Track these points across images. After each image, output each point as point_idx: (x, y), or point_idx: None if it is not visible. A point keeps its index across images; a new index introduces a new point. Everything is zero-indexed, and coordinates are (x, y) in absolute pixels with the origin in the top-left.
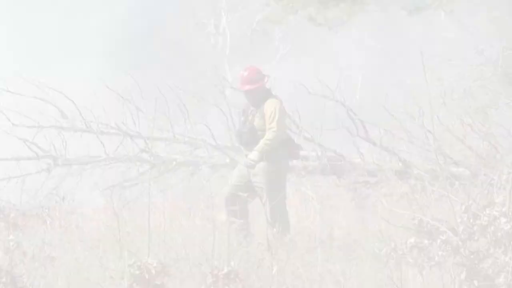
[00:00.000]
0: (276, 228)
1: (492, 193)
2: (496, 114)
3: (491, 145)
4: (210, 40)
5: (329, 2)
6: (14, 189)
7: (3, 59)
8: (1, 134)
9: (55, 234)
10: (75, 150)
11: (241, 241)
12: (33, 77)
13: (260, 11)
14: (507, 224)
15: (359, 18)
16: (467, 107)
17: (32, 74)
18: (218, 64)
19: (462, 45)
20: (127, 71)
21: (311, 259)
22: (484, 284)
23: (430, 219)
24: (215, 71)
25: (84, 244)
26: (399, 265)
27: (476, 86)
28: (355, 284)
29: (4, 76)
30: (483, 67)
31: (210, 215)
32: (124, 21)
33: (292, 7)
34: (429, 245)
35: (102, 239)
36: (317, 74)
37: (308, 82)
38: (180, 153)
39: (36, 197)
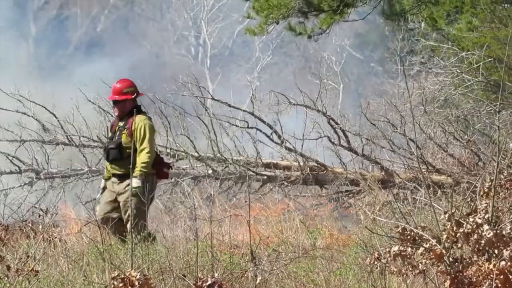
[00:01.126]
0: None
1: (475, 201)
2: (477, 122)
3: (473, 152)
4: (191, 52)
5: (309, 13)
6: None
7: None
8: None
9: (38, 248)
10: (57, 164)
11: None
12: (12, 90)
13: (241, 22)
14: (490, 232)
15: (339, 27)
16: (448, 115)
17: (12, 86)
18: (199, 76)
19: (443, 53)
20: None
21: (295, 269)
22: None
23: (413, 227)
24: (196, 82)
25: (68, 258)
26: (383, 274)
27: (458, 94)
28: None
29: None
30: (464, 75)
31: (193, 226)
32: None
33: (272, 17)
34: (413, 253)
35: (85, 252)
36: (299, 84)
37: (289, 92)
38: None
39: (19, 211)
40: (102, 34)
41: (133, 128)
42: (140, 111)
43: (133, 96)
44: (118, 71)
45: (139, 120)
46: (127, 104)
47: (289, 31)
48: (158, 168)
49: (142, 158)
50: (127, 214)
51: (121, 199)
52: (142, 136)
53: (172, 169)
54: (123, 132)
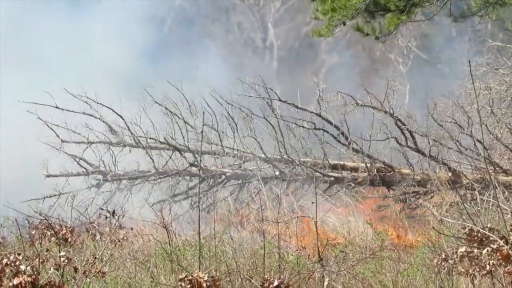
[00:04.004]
0: None
1: None
2: None
3: None
4: (257, 54)
5: (376, 12)
6: (64, 205)
7: (50, 74)
8: (50, 150)
9: (105, 250)
10: (124, 166)
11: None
12: (80, 92)
13: (307, 23)
14: None
15: (405, 28)
16: None
17: (79, 88)
18: (266, 77)
19: (510, 53)
20: (175, 85)
21: (362, 270)
22: None
23: (480, 228)
24: (263, 84)
25: (135, 259)
26: (450, 275)
27: None
28: None
29: (52, 91)
30: None
31: (260, 227)
32: (164, 34)
33: (338, 19)
34: (480, 254)
35: (152, 253)
36: (365, 85)
37: (355, 93)
38: (229, 166)
39: (86, 213)
40: (168, 35)
41: None
42: None
43: None
44: (183, 73)
45: None
46: None
47: (357, 31)
48: None
49: None
50: None
51: None
52: None
53: None
54: None
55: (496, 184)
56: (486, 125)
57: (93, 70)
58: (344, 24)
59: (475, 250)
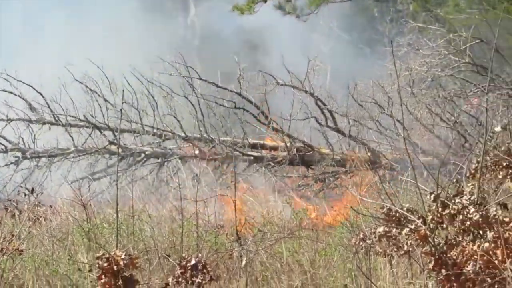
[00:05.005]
0: None
1: (461, 182)
2: (464, 103)
3: (459, 134)
4: (178, 32)
5: None
6: None
7: None
8: None
9: (23, 227)
10: (43, 143)
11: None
12: None
13: (229, 1)
14: (477, 214)
15: (328, 7)
16: (435, 96)
17: None
18: (187, 56)
19: (431, 34)
20: (96, 64)
21: (280, 250)
22: (452, 273)
23: (398, 208)
24: (184, 62)
25: (53, 237)
26: (368, 255)
27: (445, 75)
28: (324, 274)
29: None
30: (451, 56)
31: (178, 206)
32: (90, 14)
33: None
34: (398, 234)
35: (70, 231)
36: (286, 65)
37: (277, 73)
38: (149, 145)
39: (4, 190)
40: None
41: None
42: None
43: None
44: (106, 50)
45: None
46: None
47: (278, 9)
48: None
49: None
50: None
51: None
52: None
53: None
54: None
55: (415, 165)
56: (406, 106)
57: (13, 47)
58: (265, 1)
59: (393, 230)
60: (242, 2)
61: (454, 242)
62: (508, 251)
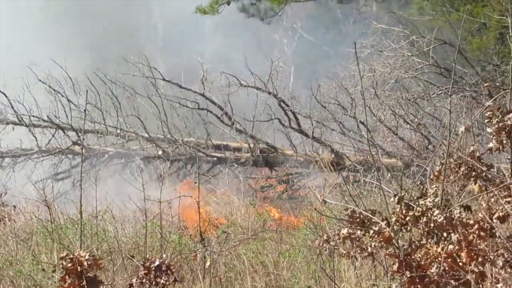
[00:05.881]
0: None
1: (425, 184)
2: (428, 105)
3: (423, 136)
4: (141, 33)
5: None
6: None
7: None
8: None
9: None
10: (7, 143)
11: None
12: None
13: (192, 2)
14: (441, 216)
15: (291, 9)
16: (399, 98)
17: None
18: (150, 56)
19: (394, 36)
20: (57, 61)
21: (244, 251)
22: (417, 275)
23: (362, 210)
24: (147, 63)
25: (17, 237)
26: (331, 256)
27: (408, 77)
28: (288, 276)
29: None
30: (414, 58)
31: (142, 207)
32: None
33: None
34: (362, 236)
35: (34, 231)
36: (249, 66)
37: (240, 74)
38: (112, 145)
39: None
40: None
41: None
42: None
43: None
44: (67, 51)
45: None
46: None
47: (242, 12)
48: None
49: None
50: None
51: None
52: None
53: None
54: None
55: (379, 166)
56: (369, 107)
57: None
58: (229, 3)
59: (358, 232)
60: (205, 3)
61: (418, 244)
62: (472, 253)
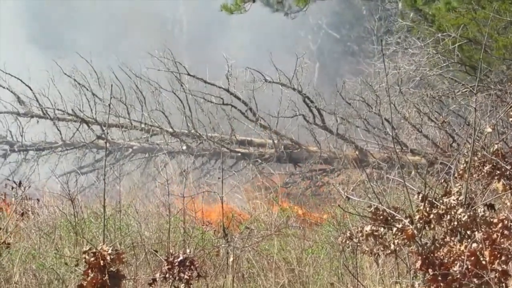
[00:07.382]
0: None
1: (449, 182)
2: (452, 103)
3: (447, 134)
4: (167, 28)
5: None
6: None
7: None
8: None
9: (11, 220)
10: (31, 136)
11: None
12: None
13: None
14: (465, 215)
15: (316, 4)
16: (424, 95)
17: None
18: (175, 51)
19: (419, 33)
20: (82, 56)
21: (267, 247)
22: (439, 273)
23: (386, 207)
24: (173, 58)
25: (40, 231)
26: (354, 253)
27: (433, 74)
28: (311, 272)
29: None
30: (440, 55)
31: (166, 202)
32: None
33: None
34: (385, 233)
35: (57, 225)
36: (274, 62)
37: (265, 70)
38: (137, 140)
39: None
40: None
41: None
42: None
43: None
44: (93, 45)
45: None
46: None
47: (266, 6)
48: None
49: None
50: None
51: None
52: None
53: None
54: None
55: (403, 164)
56: (394, 105)
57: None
58: (254, 1)
59: (381, 229)
60: (230, 1)
61: (442, 242)
62: (495, 252)
